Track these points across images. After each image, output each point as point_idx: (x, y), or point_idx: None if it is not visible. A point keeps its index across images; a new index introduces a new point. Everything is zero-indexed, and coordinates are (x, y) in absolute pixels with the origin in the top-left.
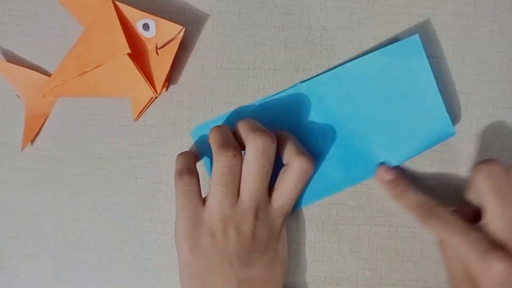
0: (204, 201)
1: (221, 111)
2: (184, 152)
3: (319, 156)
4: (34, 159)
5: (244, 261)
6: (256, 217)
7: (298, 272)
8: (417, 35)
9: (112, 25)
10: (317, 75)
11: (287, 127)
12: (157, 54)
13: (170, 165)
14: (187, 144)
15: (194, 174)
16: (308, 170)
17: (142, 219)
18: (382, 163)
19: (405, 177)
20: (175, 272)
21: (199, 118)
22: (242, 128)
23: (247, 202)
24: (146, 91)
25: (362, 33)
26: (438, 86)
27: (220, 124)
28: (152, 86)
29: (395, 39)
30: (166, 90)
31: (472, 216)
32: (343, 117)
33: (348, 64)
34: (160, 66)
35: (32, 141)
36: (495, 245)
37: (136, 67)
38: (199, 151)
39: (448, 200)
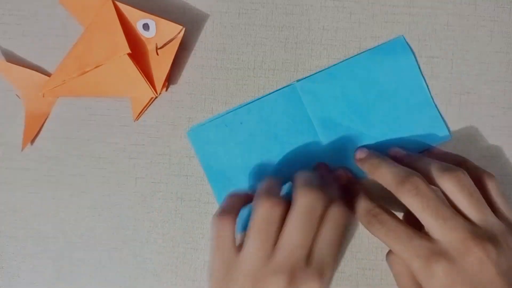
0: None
1: (221, 111)
2: (234, 194)
3: (315, 153)
4: (34, 159)
5: None
6: (289, 283)
7: None
8: (402, 36)
9: (112, 25)
10: (312, 74)
11: (283, 125)
12: (157, 54)
13: (170, 165)
14: (187, 144)
15: (234, 220)
16: (343, 220)
17: (142, 219)
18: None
19: (379, 155)
20: (175, 272)
21: (199, 118)
22: (295, 181)
23: (282, 260)
24: (146, 91)
25: (362, 33)
26: (434, 87)
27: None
28: (152, 86)
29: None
30: (166, 90)
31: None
32: (338, 115)
33: (340, 63)
34: (160, 66)
35: (32, 141)
36: (436, 251)
37: (136, 67)
38: (197, 152)
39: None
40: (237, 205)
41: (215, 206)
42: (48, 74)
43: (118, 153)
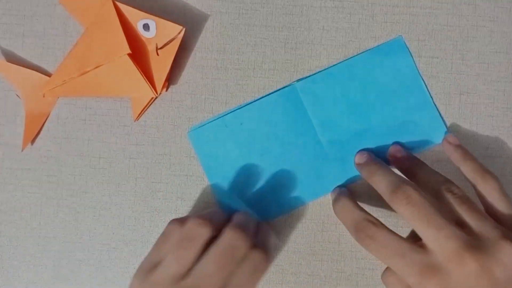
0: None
1: (221, 111)
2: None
3: (315, 154)
4: (34, 159)
5: None
6: None
7: (298, 272)
8: (400, 37)
9: (112, 25)
10: (311, 74)
11: (283, 125)
12: (157, 54)
13: (170, 165)
14: (187, 144)
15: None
16: (262, 266)
17: (142, 219)
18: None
19: (377, 162)
20: None
21: (199, 118)
22: (231, 219)
23: (191, 284)
24: (146, 91)
25: (362, 33)
26: (434, 87)
27: (217, 124)
28: (152, 86)
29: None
30: (166, 90)
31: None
32: (338, 115)
33: (340, 63)
34: (160, 66)
35: (32, 141)
36: (431, 266)
37: (136, 67)
38: (197, 152)
39: None
40: (216, 220)
41: (214, 207)
42: (48, 74)
43: (118, 153)
